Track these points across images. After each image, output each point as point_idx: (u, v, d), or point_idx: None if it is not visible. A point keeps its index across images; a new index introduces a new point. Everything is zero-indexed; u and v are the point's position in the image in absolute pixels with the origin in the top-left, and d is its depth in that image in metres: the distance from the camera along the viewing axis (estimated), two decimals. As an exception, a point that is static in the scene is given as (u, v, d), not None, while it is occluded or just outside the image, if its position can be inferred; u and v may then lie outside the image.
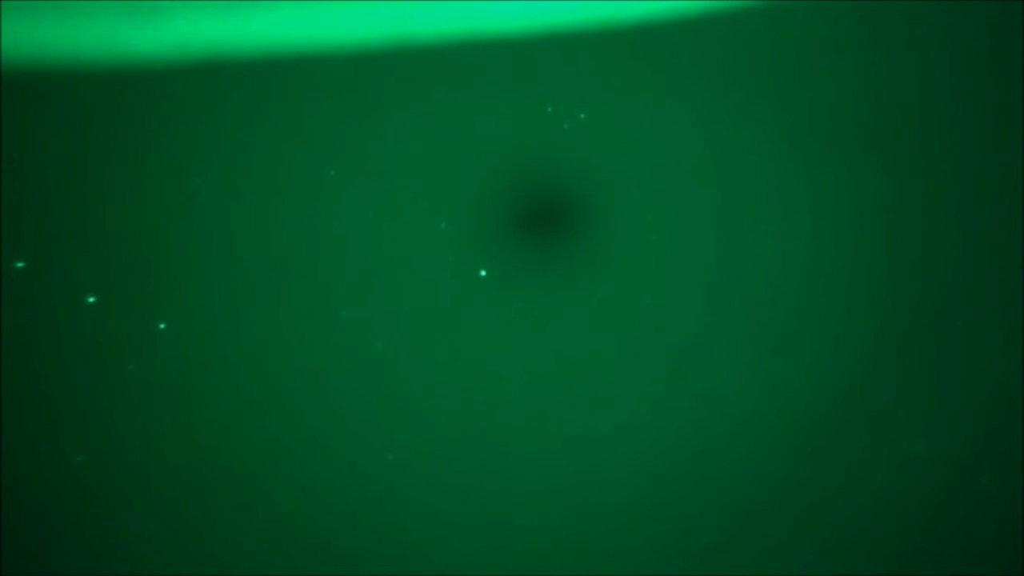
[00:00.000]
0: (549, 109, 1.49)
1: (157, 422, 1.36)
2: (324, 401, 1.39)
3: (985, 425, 1.50)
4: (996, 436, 1.50)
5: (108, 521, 1.33)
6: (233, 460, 1.36)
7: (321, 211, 1.43)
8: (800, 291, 1.50)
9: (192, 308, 1.39)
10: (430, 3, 1.49)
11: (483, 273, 1.45)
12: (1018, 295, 1.54)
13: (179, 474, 1.35)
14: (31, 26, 1.39)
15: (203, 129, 1.42)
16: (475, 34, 1.49)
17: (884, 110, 1.56)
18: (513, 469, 1.42)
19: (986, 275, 1.54)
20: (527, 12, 1.50)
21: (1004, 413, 1.50)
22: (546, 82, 1.50)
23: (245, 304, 1.40)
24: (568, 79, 1.50)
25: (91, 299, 1.37)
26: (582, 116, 1.49)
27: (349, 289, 1.42)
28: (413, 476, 1.40)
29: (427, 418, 1.41)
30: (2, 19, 1.38)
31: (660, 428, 1.45)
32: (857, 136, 1.55)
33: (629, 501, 1.42)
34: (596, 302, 1.47)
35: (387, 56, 1.47)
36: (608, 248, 1.48)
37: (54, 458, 1.33)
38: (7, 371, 1.34)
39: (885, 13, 1.58)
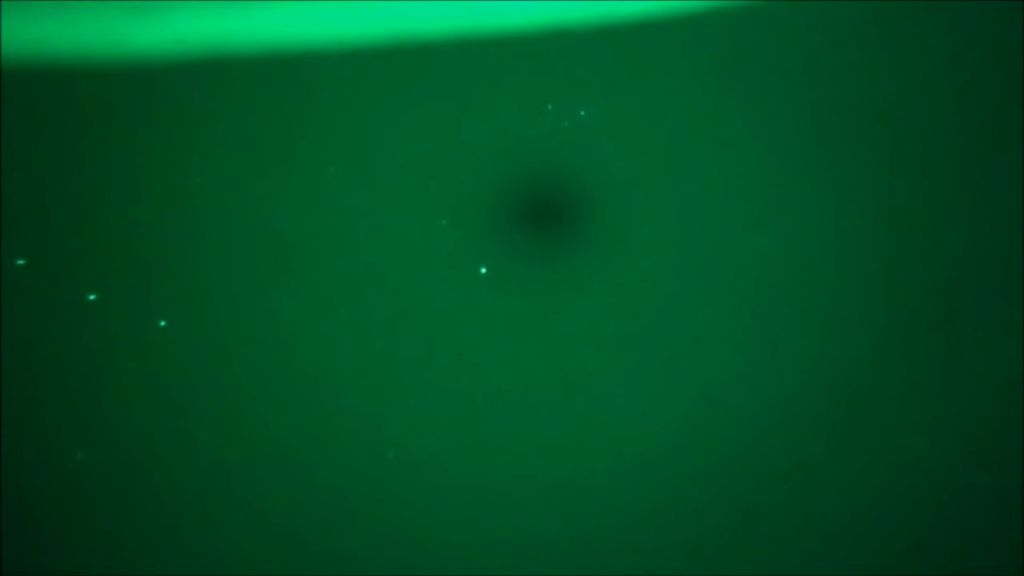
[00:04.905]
0: (550, 106, 1.48)
1: (157, 419, 1.36)
2: (324, 398, 1.39)
3: (986, 423, 1.50)
4: (996, 434, 1.49)
5: (108, 519, 1.33)
6: (232, 458, 1.37)
7: (321, 208, 1.43)
8: (802, 288, 1.50)
9: (192, 305, 1.39)
10: (431, 0, 1.49)
11: (484, 270, 1.45)
12: (1019, 292, 1.53)
13: (178, 471, 1.35)
14: (31, 23, 1.39)
15: (203, 126, 1.42)
16: (476, 30, 1.49)
17: (886, 107, 1.56)
18: (513, 466, 1.42)
19: (987, 272, 1.54)
20: (527, 9, 1.50)
21: (1005, 410, 1.50)
22: (546, 79, 1.49)
23: (245, 301, 1.40)
24: (568, 76, 1.50)
25: (91, 296, 1.37)
26: (582, 113, 1.49)
27: (349, 286, 1.42)
28: (413, 474, 1.40)
29: (427, 415, 1.41)
30: (2, 16, 1.38)
31: (661, 425, 1.45)
32: (859, 133, 1.55)
33: (629, 498, 1.42)
34: (597, 299, 1.47)
35: (387, 53, 1.47)
36: (609, 245, 1.48)
37: (54, 456, 1.33)
38: (7, 369, 1.34)
39: (887, 10, 1.57)
